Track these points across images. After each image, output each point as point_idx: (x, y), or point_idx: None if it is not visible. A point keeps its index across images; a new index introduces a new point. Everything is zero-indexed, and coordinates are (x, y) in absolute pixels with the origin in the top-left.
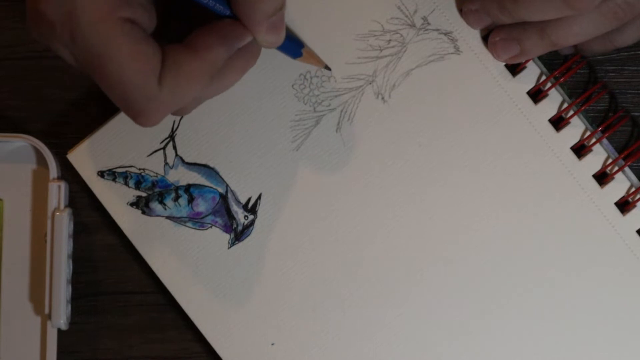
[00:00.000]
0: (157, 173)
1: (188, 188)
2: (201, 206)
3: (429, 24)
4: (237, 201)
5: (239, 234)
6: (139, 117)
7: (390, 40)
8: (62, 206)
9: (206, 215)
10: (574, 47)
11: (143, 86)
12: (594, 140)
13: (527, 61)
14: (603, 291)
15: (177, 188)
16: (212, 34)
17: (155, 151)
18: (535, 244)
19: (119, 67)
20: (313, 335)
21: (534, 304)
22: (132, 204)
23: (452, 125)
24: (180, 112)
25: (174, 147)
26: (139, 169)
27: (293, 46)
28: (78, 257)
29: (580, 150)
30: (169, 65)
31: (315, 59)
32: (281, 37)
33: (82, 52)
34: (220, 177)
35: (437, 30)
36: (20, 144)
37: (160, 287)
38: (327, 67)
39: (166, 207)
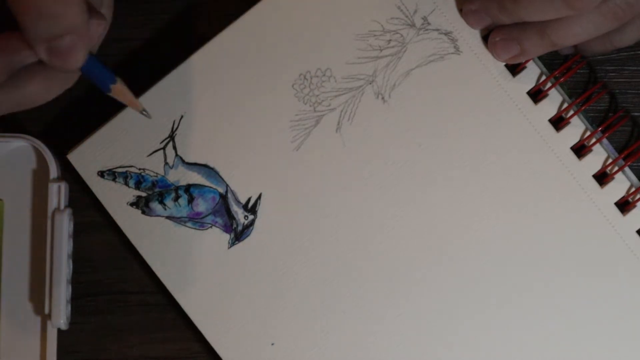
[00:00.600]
0: (157, 173)
1: (188, 188)
2: (201, 206)
3: (429, 24)
4: (237, 201)
5: (239, 234)
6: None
7: (390, 40)
8: (62, 206)
9: (206, 215)
10: (574, 47)
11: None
12: (594, 140)
13: (527, 61)
14: (603, 291)
15: (177, 188)
16: None
17: (155, 151)
18: (535, 244)
19: None
20: (313, 335)
21: (534, 304)
22: (132, 204)
23: (452, 125)
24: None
25: (174, 147)
26: (139, 169)
27: (101, 78)
28: (78, 257)
29: (580, 150)
30: None
31: (128, 98)
32: (70, 64)
33: None
34: (220, 177)
35: (437, 30)
36: (20, 144)
37: (160, 287)
38: (145, 112)
39: (166, 207)
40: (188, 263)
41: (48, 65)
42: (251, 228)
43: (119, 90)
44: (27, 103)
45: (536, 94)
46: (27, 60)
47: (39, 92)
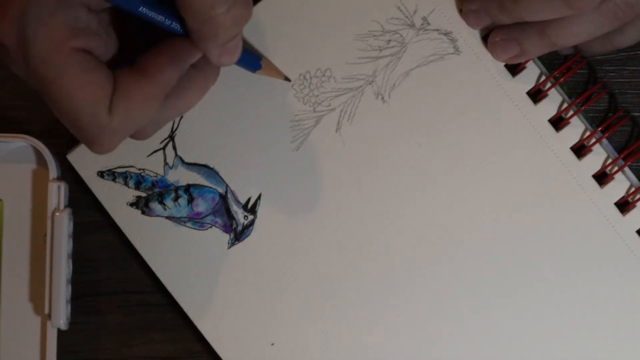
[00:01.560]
0: (156, 173)
1: (188, 188)
2: (201, 206)
3: (428, 24)
4: (237, 201)
5: (238, 234)
6: (92, 145)
7: (390, 40)
8: (62, 206)
9: (206, 216)
10: (574, 47)
11: (93, 115)
12: (593, 140)
13: (527, 61)
14: (603, 291)
15: (177, 188)
16: (162, 54)
17: (155, 151)
18: (535, 244)
19: (68, 97)
20: (313, 335)
21: (533, 304)
22: (132, 204)
23: (451, 125)
24: (140, 136)
25: (174, 147)
26: (139, 169)
27: (251, 60)
28: (78, 257)
29: (580, 150)
30: (119, 92)
31: (274, 71)
32: (235, 58)
33: (35, 80)
34: (220, 177)
35: (437, 30)
36: (20, 144)
37: (160, 287)
38: (287, 79)
39: (166, 207)
40: (188, 263)
41: (202, 68)
42: (251, 228)
43: (267, 65)
44: (185, 109)
45: (536, 94)
46: (191, 61)
47: (197, 94)
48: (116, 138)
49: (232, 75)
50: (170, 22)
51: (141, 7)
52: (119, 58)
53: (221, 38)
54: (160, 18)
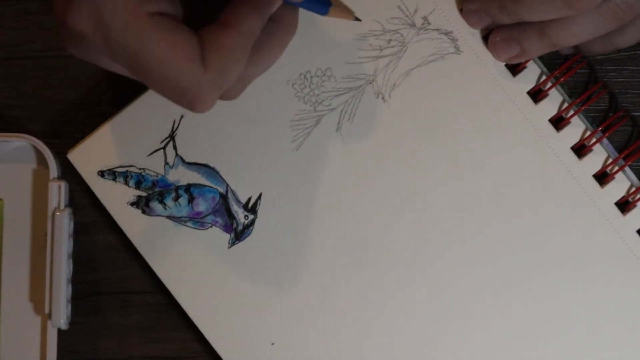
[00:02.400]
0: (157, 173)
1: (188, 188)
2: (201, 206)
3: (429, 23)
4: (238, 201)
5: (239, 234)
6: (194, 103)
7: (390, 39)
8: (62, 206)
9: (206, 215)
10: (574, 47)
11: (189, 72)
12: (594, 140)
13: (527, 61)
14: (603, 291)
15: (177, 188)
16: (242, 5)
17: (156, 151)
18: (535, 243)
19: (160, 60)
20: (313, 335)
21: (533, 304)
22: (132, 204)
23: (452, 124)
24: (230, 95)
25: (174, 147)
26: (139, 169)
27: (321, 2)
28: (78, 257)
29: (580, 150)
30: (208, 46)
31: (344, 11)
32: None
33: (121, 55)
34: (221, 176)
35: (438, 30)
36: (20, 143)
37: (160, 287)
38: (357, 19)
39: (166, 207)
40: (188, 263)
41: (281, 20)
42: (251, 228)
43: (336, 7)
44: (269, 63)
45: (536, 94)
46: (273, 8)
47: (279, 47)
48: (215, 93)
49: None
50: None
51: None
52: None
53: None
54: None
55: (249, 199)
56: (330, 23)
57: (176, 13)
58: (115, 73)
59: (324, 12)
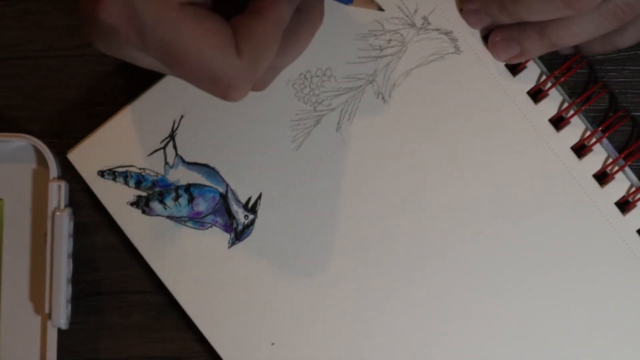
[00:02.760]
0: (157, 173)
1: (188, 188)
2: (201, 206)
3: (429, 23)
4: (238, 201)
5: (239, 234)
6: (229, 92)
7: (390, 39)
8: (62, 206)
9: (206, 215)
10: (574, 47)
11: (224, 60)
12: (594, 140)
13: (527, 61)
14: (603, 291)
15: (177, 188)
16: None
17: (156, 151)
18: (535, 243)
19: (196, 49)
20: (313, 335)
21: (533, 304)
22: (132, 204)
23: (452, 124)
24: (260, 85)
25: (174, 147)
26: (139, 169)
27: None
28: (78, 257)
29: (580, 150)
30: (241, 34)
31: (367, 1)
32: None
33: (155, 48)
34: (221, 176)
35: (438, 30)
36: (20, 143)
37: (160, 287)
38: (381, 8)
39: (166, 207)
40: (188, 263)
41: (307, 10)
42: (251, 228)
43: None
44: (298, 53)
45: (536, 94)
46: None
47: (307, 37)
48: (249, 80)
49: None
50: None
51: None
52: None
53: None
54: None
55: (249, 199)
56: (330, 23)
57: (206, 2)
58: (127, 69)
59: (348, 1)
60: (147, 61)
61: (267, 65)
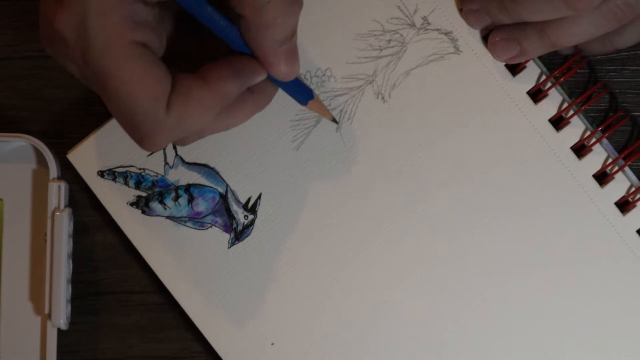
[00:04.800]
0: (157, 173)
1: (188, 188)
2: (201, 206)
3: (429, 23)
4: (237, 201)
5: (239, 234)
6: (144, 141)
7: (390, 40)
8: (62, 206)
9: (206, 215)
10: (574, 47)
11: (151, 110)
12: (594, 140)
13: (527, 61)
14: (603, 291)
15: (177, 188)
16: (225, 67)
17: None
18: (535, 243)
19: (128, 90)
20: (313, 335)
21: (533, 304)
22: (132, 204)
23: (452, 125)
24: (181, 142)
25: (174, 147)
26: (139, 169)
27: (304, 89)
28: (78, 257)
29: (580, 150)
30: (178, 91)
31: (323, 109)
32: (295, 69)
33: (93, 73)
34: (220, 176)
35: (437, 30)
36: (20, 144)
37: (160, 287)
38: (335, 120)
39: (166, 207)
40: (188, 263)
41: (257, 91)
42: (251, 228)
43: (317, 102)
44: (229, 127)
45: (536, 94)
46: (255, 80)
47: (245, 116)
48: (167, 136)
49: None
50: (228, 28)
51: (207, 7)
52: (167, 58)
53: (279, 28)
54: (222, 23)
55: (249, 199)
56: (330, 23)
57: (159, 49)
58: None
59: (304, 102)
60: (84, 80)
61: (193, 131)
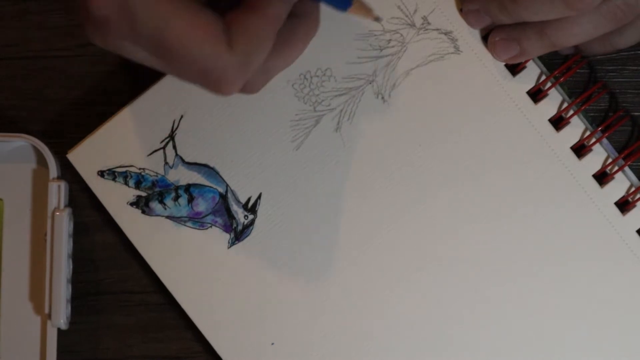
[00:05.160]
0: (157, 173)
1: (188, 188)
2: (201, 206)
3: (429, 23)
4: (237, 201)
5: (238, 234)
6: (220, 84)
7: (390, 39)
8: (62, 206)
9: (206, 215)
10: (574, 47)
11: (215, 52)
12: (594, 140)
13: (527, 61)
14: (603, 291)
15: (177, 188)
16: None
17: (155, 151)
18: (535, 243)
19: (186, 41)
20: (313, 335)
21: (533, 304)
22: (132, 204)
23: (451, 124)
24: (251, 88)
25: (174, 147)
26: (139, 169)
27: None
28: (78, 257)
29: (580, 150)
30: (234, 28)
31: (365, 9)
32: None
33: (145, 39)
34: (220, 176)
35: (437, 30)
36: (20, 143)
37: (160, 287)
38: (378, 18)
39: (166, 207)
40: (188, 263)
41: (304, 15)
42: (251, 228)
43: (357, 5)
44: (292, 58)
45: (536, 94)
46: None
47: (302, 43)
48: (241, 75)
49: None
50: None
51: None
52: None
53: None
54: None
55: (249, 199)
56: (330, 23)
57: None
58: (122, 67)
59: (344, 8)
60: (139, 55)
61: (260, 62)
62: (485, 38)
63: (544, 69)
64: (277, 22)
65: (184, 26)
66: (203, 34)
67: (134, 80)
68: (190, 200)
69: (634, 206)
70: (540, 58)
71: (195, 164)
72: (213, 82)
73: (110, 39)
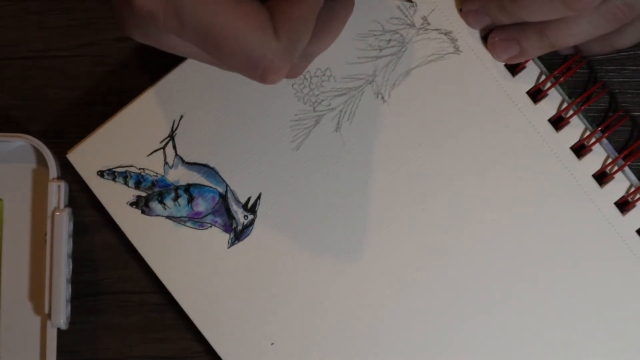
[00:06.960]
0: (156, 173)
1: (188, 188)
2: (201, 206)
3: (428, 23)
4: (237, 201)
5: (238, 234)
6: (268, 74)
7: (390, 40)
8: (61, 206)
9: (206, 215)
10: (574, 47)
11: (263, 42)
12: (593, 140)
13: (526, 61)
14: (603, 291)
15: (176, 188)
16: None
17: (155, 151)
18: (535, 243)
19: (234, 31)
20: (313, 335)
21: (533, 304)
22: (131, 204)
23: (451, 124)
24: (294, 73)
25: (174, 147)
26: (139, 169)
27: None
28: (78, 257)
29: (580, 150)
30: (277, 16)
31: None
32: None
33: (193, 31)
34: (220, 176)
35: (437, 30)
36: (20, 143)
37: (160, 287)
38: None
39: (166, 207)
40: (188, 263)
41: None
42: (251, 228)
43: None
44: (330, 41)
45: (536, 94)
46: None
47: (339, 25)
48: (287, 62)
49: (232, 75)
50: None
51: None
52: None
53: None
54: None
55: (249, 199)
56: None
57: None
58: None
59: None
60: (184, 48)
61: (303, 47)
62: (485, 38)
63: (544, 69)
64: (316, 8)
65: (232, 17)
66: (250, 24)
67: (134, 81)
68: (190, 200)
69: (634, 206)
70: (540, 58)
71: (195, 164)
72: (261, 71)
73: (156, 35)
